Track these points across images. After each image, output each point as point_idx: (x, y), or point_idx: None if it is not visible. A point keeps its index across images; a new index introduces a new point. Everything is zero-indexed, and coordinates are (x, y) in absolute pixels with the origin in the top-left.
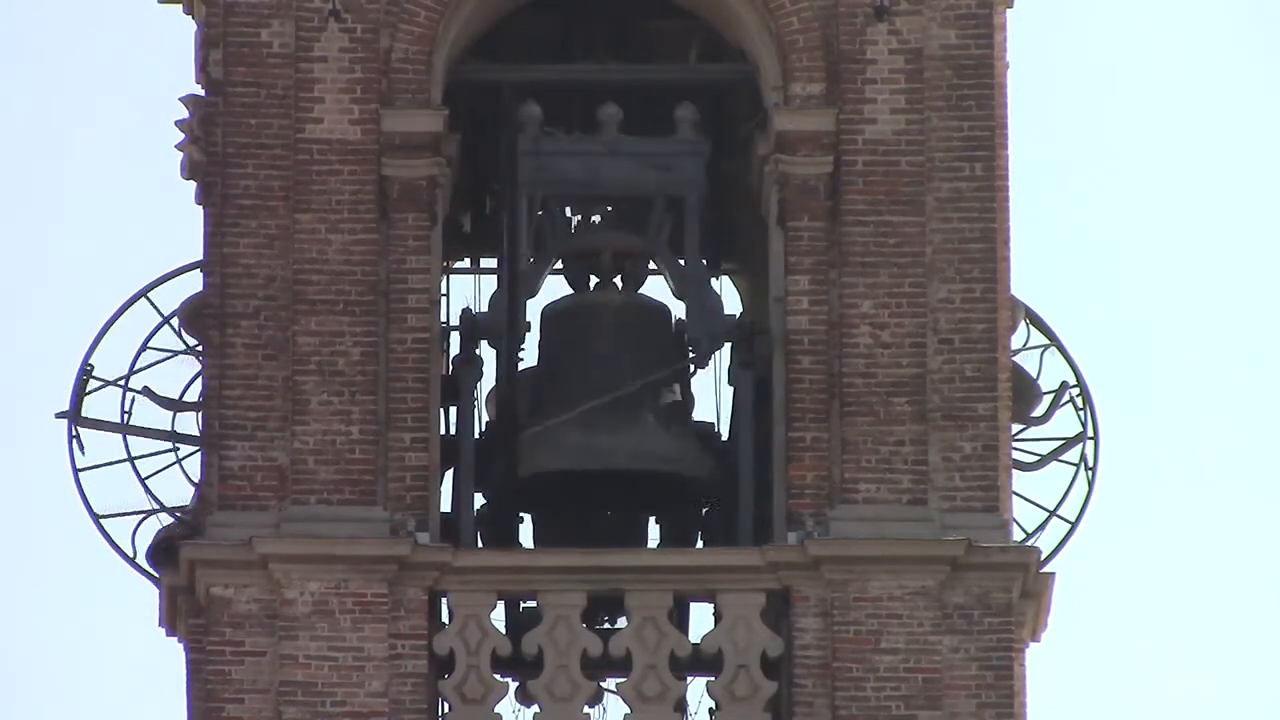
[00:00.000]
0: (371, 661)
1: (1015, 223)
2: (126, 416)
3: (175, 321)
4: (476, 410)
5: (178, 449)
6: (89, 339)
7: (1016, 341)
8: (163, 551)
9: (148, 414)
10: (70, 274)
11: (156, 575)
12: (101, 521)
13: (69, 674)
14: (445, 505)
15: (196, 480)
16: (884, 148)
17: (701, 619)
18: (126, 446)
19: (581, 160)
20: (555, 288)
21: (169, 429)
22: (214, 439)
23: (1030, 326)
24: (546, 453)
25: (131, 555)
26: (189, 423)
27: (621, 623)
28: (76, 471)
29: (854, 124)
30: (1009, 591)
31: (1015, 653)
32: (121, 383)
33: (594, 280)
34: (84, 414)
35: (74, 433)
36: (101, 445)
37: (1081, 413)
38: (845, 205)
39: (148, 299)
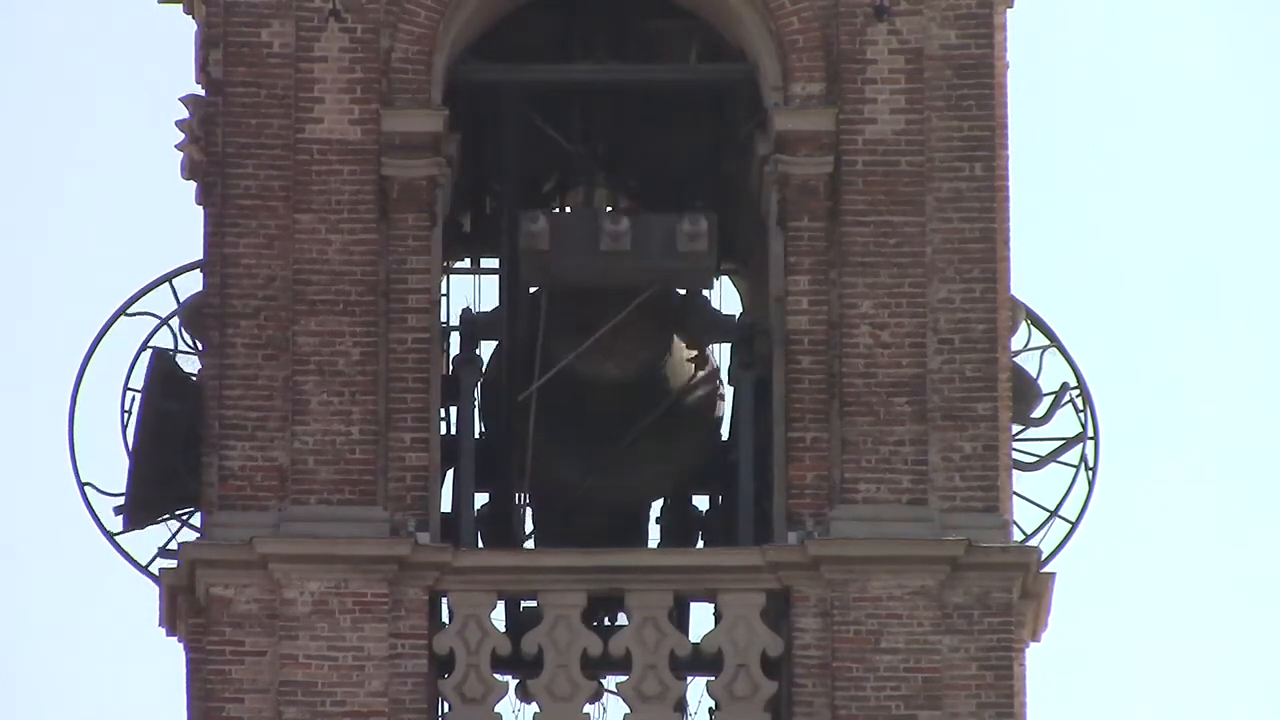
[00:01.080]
0: (371, 661)
1: (1015, 223)
2: (126, 416)
3: (175, 322)
4: (476, 410)
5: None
6: (89, 339)
7: (1017, 342)
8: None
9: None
10: (70, 274)
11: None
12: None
13: (69, 674)
14: (445, 505)
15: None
16: (884, 148)
17: (701, 619)
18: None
19: (587, 272)
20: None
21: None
22: (214, 438)
23: (1030, 327)
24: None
25: (144, 564)
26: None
27: (621, 620)
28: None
29: (854, 124)
30: (1009, 591)
31: (1015, 653)
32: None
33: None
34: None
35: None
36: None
37: (1081, 413)
38: (845, 205)
39: (152, 315)
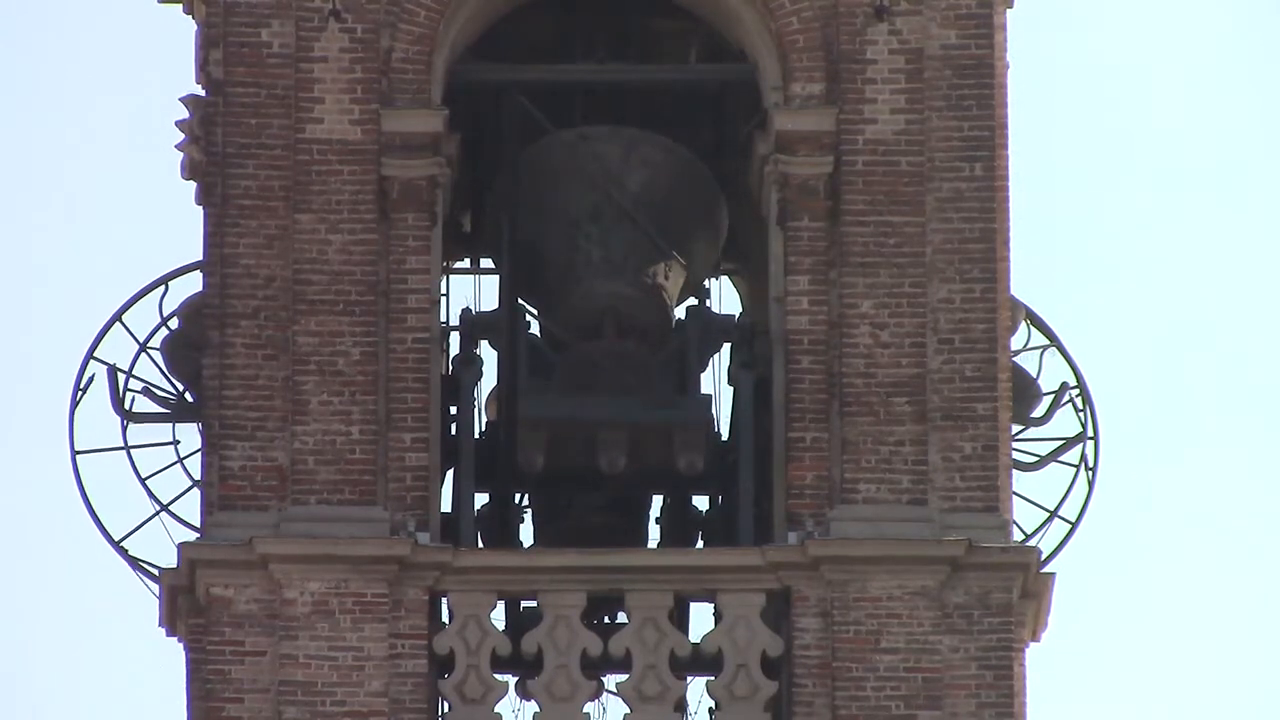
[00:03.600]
0: (371, 661)
1: (1015, 223)
2: (125, 415)
3: (174, 322)
4: (476, 410)
5: (177, 443)
6: (89, 339)
7: (1016, 342)
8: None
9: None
10: (70, 274)
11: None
12: (111, 534)
13: (69, 674)
14: (445, 505)
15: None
16: (884, 148)
17: (701, 619)
18: (125, 438)
19: (583, 416)
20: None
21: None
22: (214, 439)
23: (1030, 326)
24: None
25: (156, 576)
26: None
27: (621, 620)
28: (79, 455)
29: (854, 124)
30: (1009, 591)
31: (1015, 653)
32: (124, 371)
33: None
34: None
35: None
36: (102, 435)
37: (1081, 413)
38: (845, 205)
39: (162, 314)
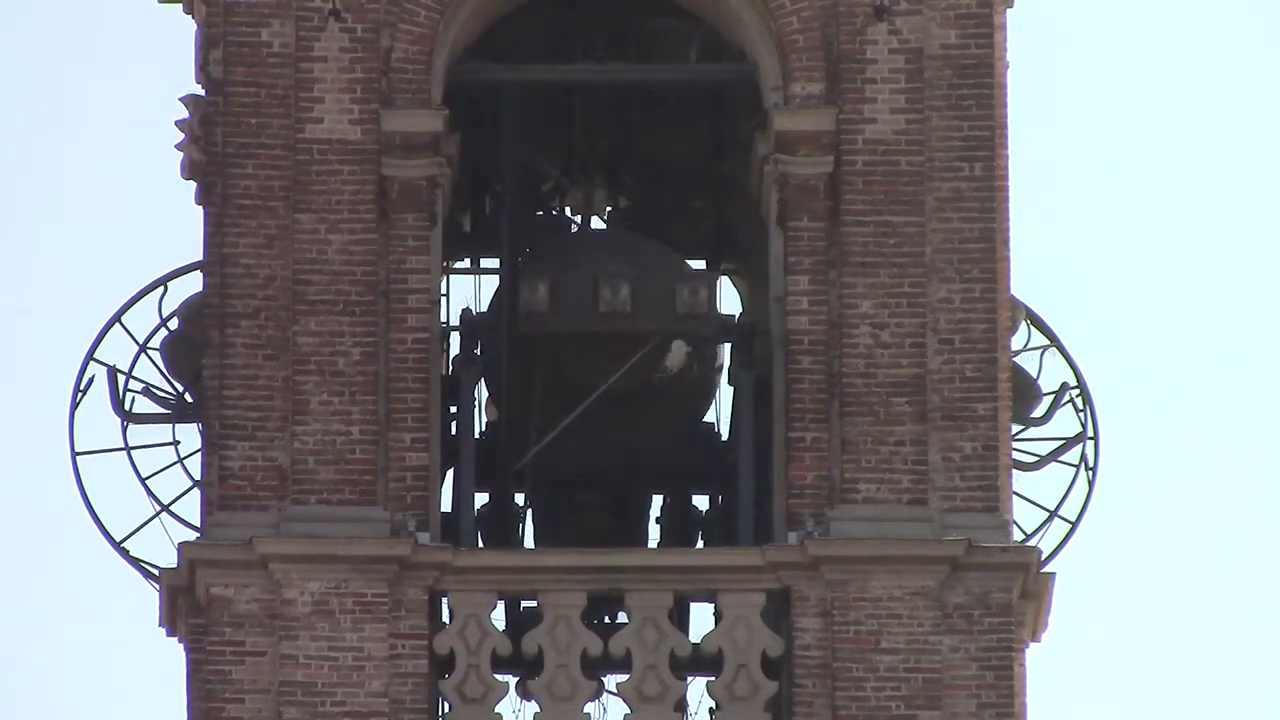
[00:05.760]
0: (371, 661)
1: (1015, 223)
2: (125, 415)
3: (174, 323)
4: (476, 410)
5: (177, 443)
6: (89, 340)
7: (1017, 342)
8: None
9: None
10: (70, 274)
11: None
12: (110, 532)
13: (69, 674)
14: (445, 505)
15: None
16: (884, 148)
17: (701, 619)
18: (125, 438)
19: (584, 329)
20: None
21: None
22: (214, 439)
23: (1030, 327)
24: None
25: (156, 574)
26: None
27: (621, 620)
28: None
29: (854, 124)
30: (1009, 591)
31: (1015, 653)
32: (126, 371)
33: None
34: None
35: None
36: (101, 436)
37: (1081, 413)
38: (845, 205)
39: (158, 309)
